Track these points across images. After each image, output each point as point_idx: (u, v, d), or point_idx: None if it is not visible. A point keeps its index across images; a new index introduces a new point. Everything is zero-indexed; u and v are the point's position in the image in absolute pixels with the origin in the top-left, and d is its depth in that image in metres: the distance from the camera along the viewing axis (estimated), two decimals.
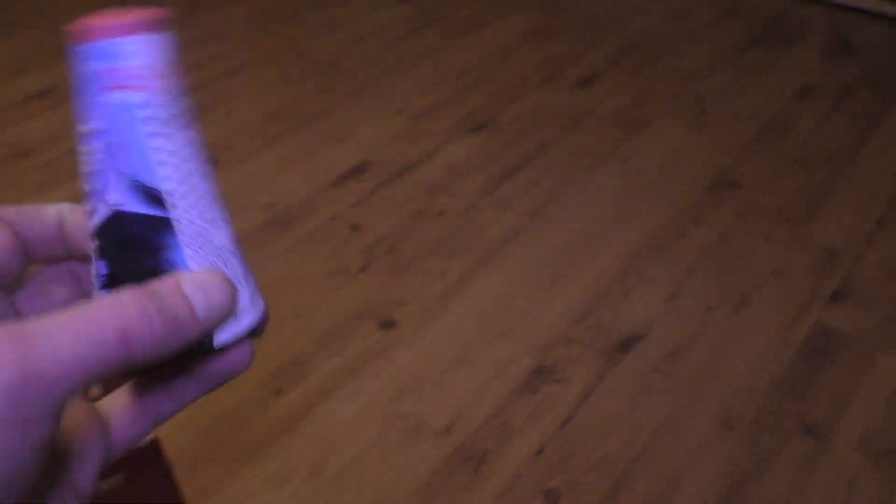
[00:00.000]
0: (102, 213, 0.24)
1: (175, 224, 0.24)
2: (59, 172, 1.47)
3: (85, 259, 0.27)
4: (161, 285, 0.22)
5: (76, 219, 0.27)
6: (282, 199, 1.37)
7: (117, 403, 0.27)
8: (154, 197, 0.24)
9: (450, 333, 1.11)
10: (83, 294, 0.29)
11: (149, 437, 0.80)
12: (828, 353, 1.07)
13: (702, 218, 1.31)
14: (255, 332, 0.27)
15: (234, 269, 0.26)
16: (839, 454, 0.95)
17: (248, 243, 1.29)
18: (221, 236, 0.25)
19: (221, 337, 0.25)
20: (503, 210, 1.33)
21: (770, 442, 0.96)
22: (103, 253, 0.24)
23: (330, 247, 1.27)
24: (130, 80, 0.23)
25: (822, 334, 1.10)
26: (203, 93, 1.68)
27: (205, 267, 0.25)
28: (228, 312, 0.24)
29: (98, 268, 0.25)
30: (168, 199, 0.24)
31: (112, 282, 0.24)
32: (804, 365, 1.06)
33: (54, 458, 0.23)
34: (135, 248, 0.24)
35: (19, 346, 0.19)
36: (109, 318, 0.20)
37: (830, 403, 1.01)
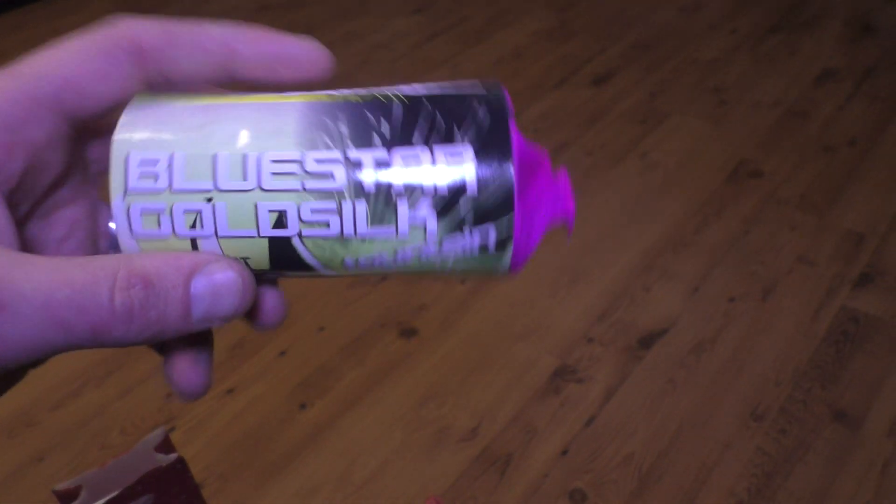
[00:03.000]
0: None
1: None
2: None
3: (243, 87, 0.25)
4: (169, 274, 0.20)
5: (250, 37, 0.24)
6: None
7: None
8: None
9: (471, 338, 1.11)
10: (91, 234, 0.26)
11: (174, 456, 0.81)
12: (856, 338, 1.05)
13: (724, 209, 1.30)
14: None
15: None
16: (871, 441, 0.93)
17: None
18: None
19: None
20: None
21: (800, 432, 0.95)
22: None
23: None
24: None
25: (850, 319, 1.08)
26: None
27: (237, 256, 0.23)
28: (228, 320, 0.23)
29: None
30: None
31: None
32: (832, 351, 1.04)
33: None
34: None
35: None
36: (86, 308, 0.19)
37: (861, 389, 0.99)
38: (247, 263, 0.23)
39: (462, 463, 0.95)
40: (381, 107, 0.23)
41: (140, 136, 0.22)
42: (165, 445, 0.79)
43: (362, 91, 0.24)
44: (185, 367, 0.25)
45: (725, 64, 1.69)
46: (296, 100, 0.23)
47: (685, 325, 1.10)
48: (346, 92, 0.24)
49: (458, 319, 1.14)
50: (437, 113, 0.23)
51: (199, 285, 0.21)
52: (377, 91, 0.24)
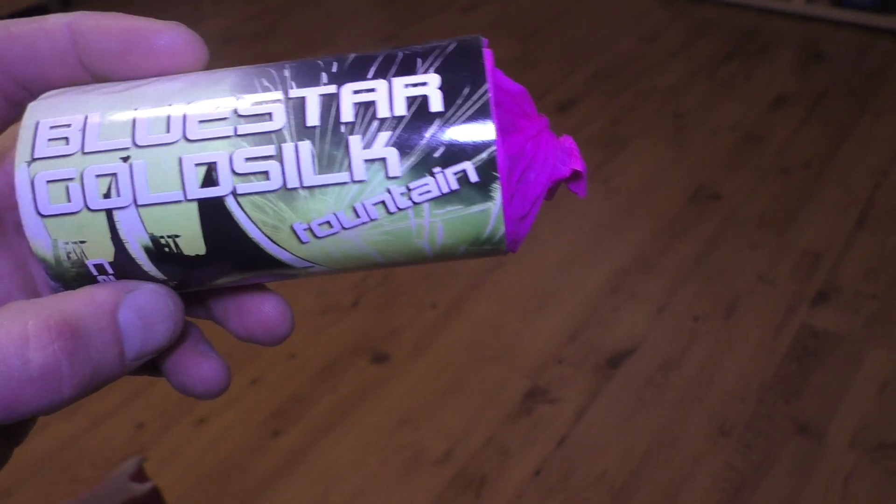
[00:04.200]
0: None
1: None
2: None
3: (99, 80, 0.21)
4: (92, 314, 0.17)
5: (93, 24, 0.21)
6: None
7: None
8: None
9: (442, 362, 1.13)
10: (24, 286, 0.22)
11: (149, 486, 0.81)
12: (817, 353, 1.08)
13: (686, 231, 1.33)
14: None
15: None
16: (834, 452, 0.95)
17: None
18: None
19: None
20: None
21: (766, 445, 0.97)
22: None
23: (321, 283, 1.29)
24: None
25: (810, 335, 1.11)
26: None
27: (165, 234, 0.19)
28: (162, 350, 0.19)
29: None
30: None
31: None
32: (794, 367, 1.07)
33: None
34: None
35: None
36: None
37: (822, 403, 1.02)
38: (177, 247, 0.19)
39: (437, 486, 0.96)
40: (335, 56, 0.20)
41: (55, 104, 0.19)
42: (140, 475, 0.79)
43: None
44: (195, 366, 0.22)
45: (684, 91, 1.74)
46: (241, 67, 0.21)
47: (652, 344, 1.12)
48: None
49: (430, 344, 1.15)
50: (399, 52, 0.20)
51: (126, 318, 0.18)
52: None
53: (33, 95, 0.21)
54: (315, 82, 0.19)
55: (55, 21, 0.20)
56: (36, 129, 0.19)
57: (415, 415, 1.05)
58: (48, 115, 0.19)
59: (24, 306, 0.16)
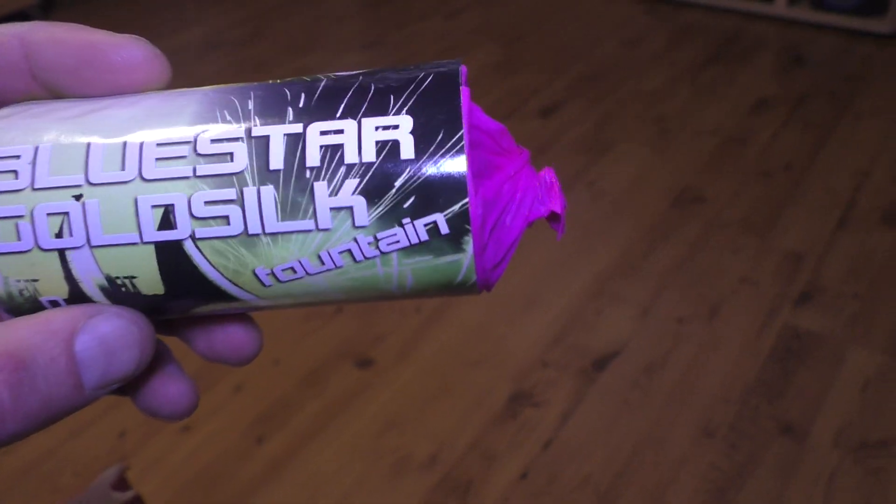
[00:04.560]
0: None
1: None
2: None
3: (54, 95, 0.20)
4: (43, 343, 0.16)
5: (46, 36, 0.19)
6: None
7: None
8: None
9: (427, 366, 1.12)
10: None
11: (131, 494, 0.80)
12: (799, 353, 1.09)
13: (669, 234, 1.34)
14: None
15: None
16: (818, 452, 0.96)
17: None
18: None
19: None
20: None
21: (750, 446, 0.97)
22: None
23: None
24: None
25: (793, 336, 1.12)
26: None
27: (120, 275, 0.18)
28: (130, 379, 0.18)
29: None
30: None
31: None
32: (778, 367, 1.07)
33: None
34: None
35: None
36: None
37: (806, 403, 1.02)
38: (135, 287, 0.18)
39: (423, 491, 0.96)
40: (304, 84, 0.19)
41: (3, 128, 0.18)
42: (122, 483, 0.78)
43: (288, 78, 0.20)
44: (161, 387, 0.21)
45: (667, 94, 1.75)
46: (204, 88, 0.19)
47: (637, 346, 1.13)
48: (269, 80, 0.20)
49: (414, 349, 1.15)
50: (372, 84, 0.18)
51: (85, 346, 0.16)
52: (307, 75, 0.20)
53: None
54: (280, 118, 0.18)
55: (5, 32, 0.19)
56: None
57: (400, 420, 1.05)
58: None
59: None
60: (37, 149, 0.18)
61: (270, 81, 0.19)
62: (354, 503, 0.95)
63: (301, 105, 0.18)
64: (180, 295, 0.18)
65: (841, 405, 1.01)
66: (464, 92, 0.18)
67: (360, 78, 0.19)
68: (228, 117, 0.18)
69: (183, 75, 2.04)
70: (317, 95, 0.18)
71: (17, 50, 0.19)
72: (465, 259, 0.18)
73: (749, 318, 1.16)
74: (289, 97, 0.18)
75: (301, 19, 2.27)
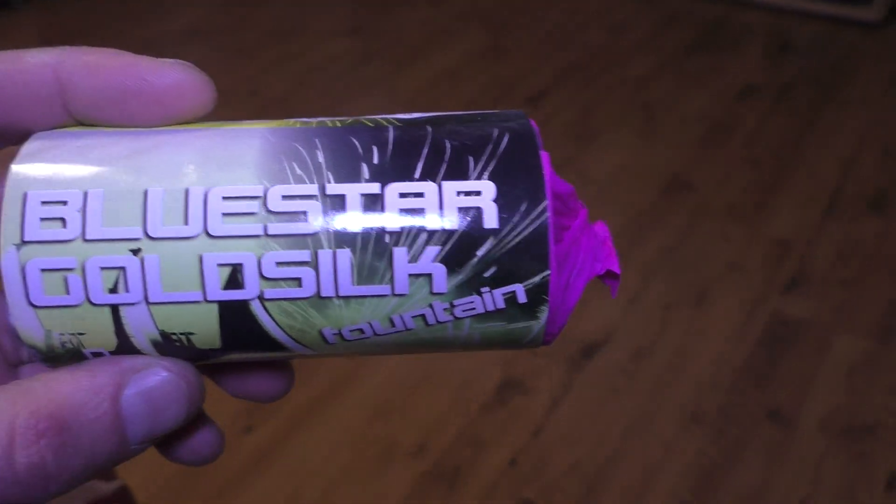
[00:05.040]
0: None
1: None
2: None
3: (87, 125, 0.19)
4: (87, 401, 0.15)
5: (82, 65, 0.17)
6: None
7: None
8: None
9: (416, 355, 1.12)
10: (2, 368, 0.20)
11: (117, 484, 0.79)
12: (786, 340, 1.10)
13: (657, 221, 1.34)
14: None
15: None
16: (804, 437, 0.96)
17: None
18: None
19: None
20: None
21: (737, 432, 0.98)
22: None
23: None
24: None
25: (780, 323, 1.12)
26: None
27: (178, 331, 0.17)
28: (175, 429, 0.18)
29: None
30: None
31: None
32: (765, 354, 1.08)
33: None
34: None
35: None
36: None
37: (792, 389, 1.03)
38: (190, 342, 0.17)
39: (411, 478, 0.95)
40: (371, 132, 0.18)
41: (45, 170, 0.17)
42: (107, 473, 0.77)
43: (343, 118, 0.19)
44: (186, 434, 0.20)
45: (653, 81, 1.75)
46: (258, 126, 0.18)
47: (625, 334, 1.13)
48: (321, 119, 0.19)
49: None
50: (446, 140, 0.18)
51: (131, 402, 0.16)
52: (363, 118, 0.19)
53: (6, 140, 0.18)
54: (355, 176, 0.17)
55: (35, 61, 0.17)
56: (24, 203, 0.16)
57: (388, 408, 1.04)
58: (38, 185, 0.16)
59: (15, 395, 0.15)
60: (86, 194, 0.16)
61: (329, 123, 0.18)
62: (342, 492, 0.95)
63: (376, 162, 0.17)
64: (235, 349, 0.18)
65: (827, 391, 1.02)
66: (544, 158, 0.18)
67: (429, 130, 0.18)
68: (298, 170, 0.17)
69: None
70: (390, 151, 0.17)
71: (51, 82, 0.18)
72: (536, 325, 0.18)
73: (737, 305, 1.16)
74: (360, 150, 0.17)
75: (285, 5, 2.24)
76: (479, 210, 0.17)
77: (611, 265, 0.20)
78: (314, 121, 0.19)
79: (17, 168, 0.17)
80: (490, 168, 0.17)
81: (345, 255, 0.16)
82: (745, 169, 1.45)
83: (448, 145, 0.17)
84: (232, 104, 1.78)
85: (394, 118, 0.18)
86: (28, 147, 0.17)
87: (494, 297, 0.17)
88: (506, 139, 0.18)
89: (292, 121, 0.19)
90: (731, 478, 0.93)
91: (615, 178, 1.45)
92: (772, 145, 1.51)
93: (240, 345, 0.18)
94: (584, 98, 1.71)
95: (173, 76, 0.18)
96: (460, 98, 1.74)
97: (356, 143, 0.17)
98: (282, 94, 1.82)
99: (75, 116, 0.18)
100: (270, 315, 0.17)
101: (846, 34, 1.88)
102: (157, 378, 0.16)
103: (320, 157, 0.17)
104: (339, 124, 0.18)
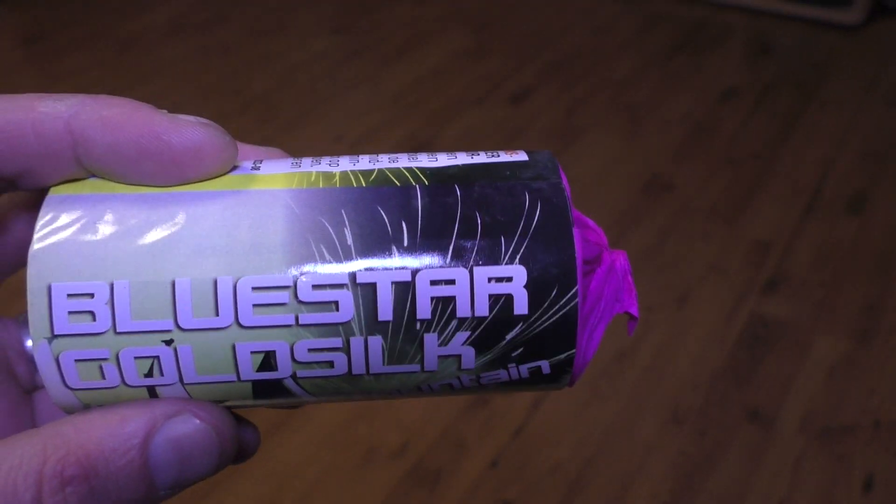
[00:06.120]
0: None
1: None
2: None
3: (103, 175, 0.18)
4: (116, 448, 0.15)
5: (97, 120, 0.17)
6: None
7: None
8: None
9: None
10: (18, 395, 0.19)
11: None
12: (766, 340, 1.10)
13: (639, 221, 1.34)
14: None
15: None
16: (784, 437, 0.97)
17: None
18: None
19: None
20: None
21: (718, 432, 0.98)
22: None
23: None
24: None
25: (760, 323, 1.13)
26: None
27: (208, 398, 0.17)
28: (207, 477, 0.18)
29: None
30: None
31: None
32: (745, 354, 1.08)
33: None
34: None
35: None
36: None
37: (772, 389, 1.03)
38: (222, 405, 0.18)
39: (392, 480, 0.95)
40: (397, 198, 0.17)
41: (66, 256, 0.16)
42: None
43: (364, 162, 0.18)
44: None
45: (636, 82, 1.75)
46: (276, 186, 0.18)
47: (606, 334, 1.13)
48: (341, 163, 0.19)
49: None
50: (477, 213, 0.17)
51: (160, 450, 0.16)
52: (387, 164, 0.18)
53: (16, 187, 0.18)
54: (385, 260, 0.17)
55: (48, 111, 0.17)
56: (49, 296, 0.16)
57: (369, 409, 1.04)
58: (61, 275, 0.16)
59: (46, 440, 0.14)
60: (112, 286, 0.16)
61: (353, 178, 0.18)
62: (323, 493, 0.94)
63: (405, 243, 0.17)
64: (265, 402, 0.19)
65: (807, 391, 1.03)
66: (576, 236, 0.18)
67: (458, 196, 0.17)
68: (327, 255, 0.17)
69: (146, 60, 1.99)
70: (420, 230, 0.17)
71: (64, 137, 0.17)
72: (558, 387, 0.19)
73: (717, 306, 1.16)
74: (388, 228, 0.17)
75: (267, 3, 2.23)
76: (509, 297, 0.17)
77: (630, 307, 0.20)
78: (337, 173, 0.18)
79: (37, 251, 0.16)
80: (522, 251, 0.17)
81: (376, 341, 0.17)
82: (726, 169, 1.46)
83: (479, 221, 0.17)
84: (216, 101, 1.77)
85: (419, 168, 0.18)
86: (43, 219, 0.17)
87: (520, 370, 0.18)
88: (538, 212, 0.18)
89: (314, 174, 0.18)
90: (712, 478, 0.93)
91: (597, 178, 1.45)
92: (752, 146, 1.52)
93: (268, 403, 0.19)
94: (568, 98, 1.71)
95: (192, 137, 0.17)
96: (445, 97, 1.73)
97: (384, 216, 0.17)
98: (265, 91, 1.80)
99: (88, 170, 0.18)
100: (303, 388, 0.18)
101: (826, 37, 1.89)
102: (188, 426, 0.16)
103: (349, 239, 0.17)
104: (363, 181, 0.18)
